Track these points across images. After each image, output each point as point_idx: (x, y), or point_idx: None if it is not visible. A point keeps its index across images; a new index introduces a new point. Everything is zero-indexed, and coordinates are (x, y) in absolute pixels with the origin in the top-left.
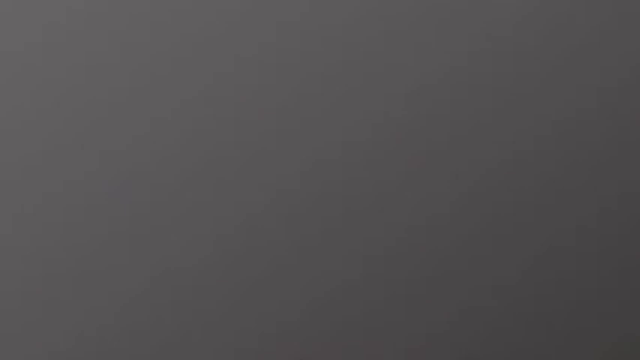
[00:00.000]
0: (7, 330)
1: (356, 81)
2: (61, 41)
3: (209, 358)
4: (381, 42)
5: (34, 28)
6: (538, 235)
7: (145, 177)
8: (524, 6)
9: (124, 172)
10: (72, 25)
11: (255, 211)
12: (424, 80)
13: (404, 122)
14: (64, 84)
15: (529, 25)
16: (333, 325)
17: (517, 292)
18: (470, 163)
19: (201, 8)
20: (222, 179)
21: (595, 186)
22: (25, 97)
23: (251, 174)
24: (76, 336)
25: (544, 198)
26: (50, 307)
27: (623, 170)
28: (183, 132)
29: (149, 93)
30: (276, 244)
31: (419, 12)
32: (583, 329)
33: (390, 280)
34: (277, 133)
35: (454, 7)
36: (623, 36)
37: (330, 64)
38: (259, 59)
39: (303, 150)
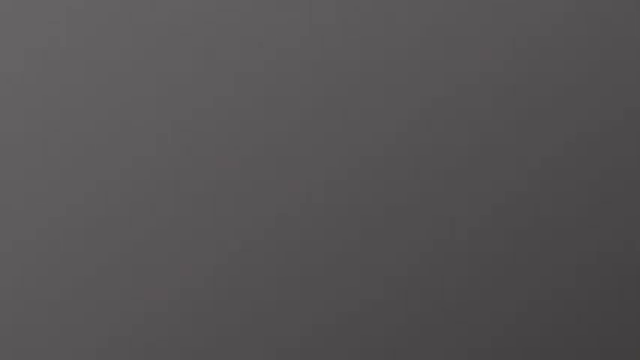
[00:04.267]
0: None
1: (369, 97)
2: (66, 47)
3: None
4: (395, 57)
5: (36, 32)
6: (565, 262)
7: (164, 184)
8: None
9: (143, 180)
10: (73, 27)
11: (272, 225)
12: (437, 93)
13: (419, 137)
14: (76, 91)
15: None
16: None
17: (537, 321)
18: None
19: (215, 19)
20: (242, 189)
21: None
22: (40, 107)
23: (270, 186)
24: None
25: (572, 217)
26: (71, 313)
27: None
28: (203, 139)
29: (160, 98)
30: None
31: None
32: None
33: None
34: (292, 149)
35: (470, 22)
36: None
37: (343, 75)
38: (276, 71)
39: (319, 166)
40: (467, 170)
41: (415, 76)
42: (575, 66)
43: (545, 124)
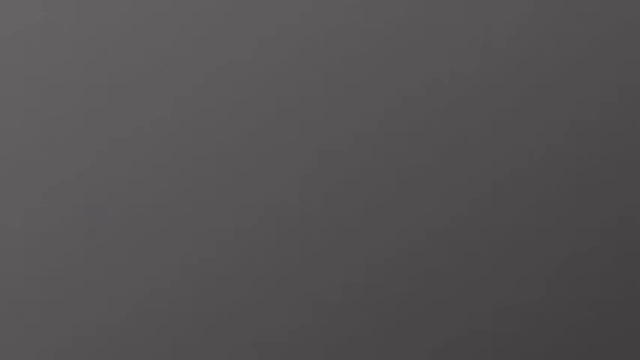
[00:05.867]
0: (13, 330)
1: (351, 87)
2: (52, 38)
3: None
4: (379, 46)
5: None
6: (544, 248)
7: (149, 177)
8: (524, 12)
9: (128, 171)
10: (64, 21)
11: (255, 216)
12: (421, 86)
13: (401, 130)
14: (59, 81)
15: (528, 31)
16: (330, 336)
17: (521, 308)
18: (465, 176)
19: (200, 8)
20: (221, 182)
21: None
22: (19, 97)
23: (251, 178)
24: (76, 338)
25: (551, 207)
26: (53, 307)
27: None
28: (184, 131)
29: (146, 91)
30: (272, 255)
31: (421, 15)
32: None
33: (392, 292)
34: (274, 138)
35: (453, 14)
36: (622, 47)
37: (324, 72)
38: (257, 61)
39: (300, 156)
40: (444, 167)
41: (397, 70)
42: (554, 61)
43: (521, 122)
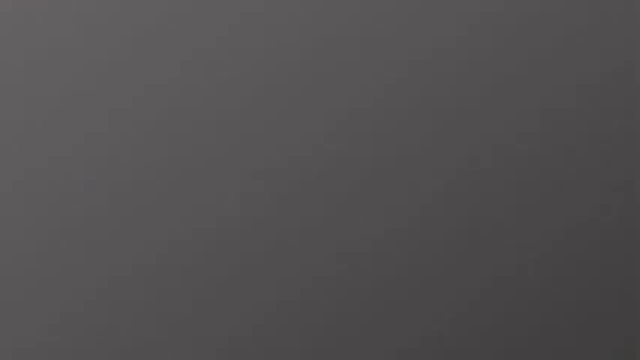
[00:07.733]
0: None
1: (330, 79)
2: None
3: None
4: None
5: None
6: (524, 235)
7: (122, 171)
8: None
9: (101, 166)
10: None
11: (230, 210)
12: (400, 77)
13: (379, 121)
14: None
15: (510, 22)
16: (311, 327)
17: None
18: (445, 165)
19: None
20: (197, 175)
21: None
22: None
23: (224, 174)
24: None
25: (532, 195)
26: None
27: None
28: (143, 128)
29: (120, 78)
30: (247, 246)
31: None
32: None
33: (375, 282)
34: (247, 134)
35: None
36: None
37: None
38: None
39: (277, 149)
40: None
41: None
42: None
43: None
